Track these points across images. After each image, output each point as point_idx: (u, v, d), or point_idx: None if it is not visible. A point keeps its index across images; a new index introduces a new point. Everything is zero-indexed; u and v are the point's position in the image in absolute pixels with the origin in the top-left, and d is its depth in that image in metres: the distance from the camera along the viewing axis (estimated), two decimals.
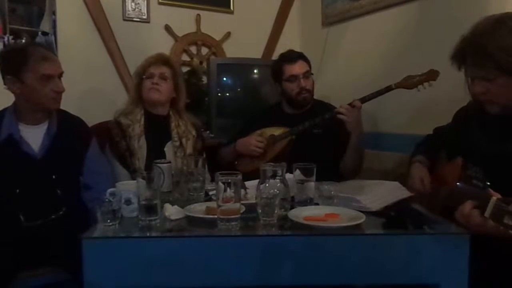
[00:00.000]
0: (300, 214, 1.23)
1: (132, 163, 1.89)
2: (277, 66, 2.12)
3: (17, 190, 1.58)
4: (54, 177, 1.64)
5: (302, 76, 2.05)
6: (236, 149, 2.10)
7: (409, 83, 1.82)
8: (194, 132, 2.05)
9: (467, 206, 1.09)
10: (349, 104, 1.86)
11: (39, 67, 1.58)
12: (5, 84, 1.61)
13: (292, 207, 1.30)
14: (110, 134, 1.92)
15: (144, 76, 1.96)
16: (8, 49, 2.07)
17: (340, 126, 1.88)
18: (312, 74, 2.12)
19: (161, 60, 2.00)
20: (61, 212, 1.63)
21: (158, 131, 1.98)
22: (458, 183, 1.21)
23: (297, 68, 2.05)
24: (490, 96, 1.27)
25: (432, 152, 1.59)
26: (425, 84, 1.80)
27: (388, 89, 1.85)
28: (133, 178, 1.48)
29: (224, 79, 2.65)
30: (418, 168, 1.53)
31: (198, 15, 2.85)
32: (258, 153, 2.02)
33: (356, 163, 1.97)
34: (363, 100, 1.87)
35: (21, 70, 1.57)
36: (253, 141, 2.04)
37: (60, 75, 1.66)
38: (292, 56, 2.08)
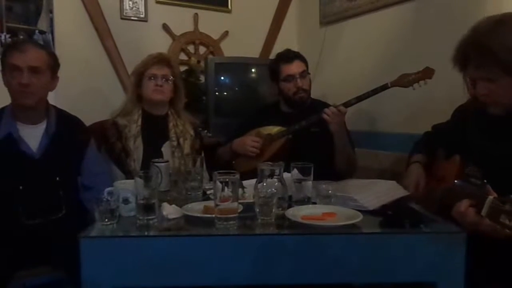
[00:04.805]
0: (298, 213, 1.23)
1: (127, 164, 1.88)
2: (274, 66, 2.12)
3: (21, 187, 1.57)
4: (58, 178, 1.63)
5: (299, 76, 2.05)
6: (233, 149, 2.10)
7: (405, 81, 1.82)
8: (192, 132, 2.04)
9: (464, 204, 1.10)
10: (336, 108, 1.86)
11: (9, 58, 1.56)
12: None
13: (289, 206, 1.30)
14: (106, 135, 1.92)
15: (145, 76, 1.95)
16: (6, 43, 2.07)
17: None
18: (309, 73, 2.12)
19: (163, 60, 1.99)
20: (60, 215, 1.63)
21: (155, 131, 1.97)
22: (456, 181, 1.22)
23: (294, 68, 2.05)
24: (494, 97, 1.26)
25: (430, 150, 1.60)
26: (421, 82, 1.80)
27: (384, 87, 1.86)
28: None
29: (222, 78, 2.65)
30: (416, 170, 1.54)
31: (196, 14, 2.85)
32: (254, 154, 2.02)
33: (345, 164, 1.98)
34: (348, 104, 1.89)
35: (3, 63, 1.57)
36: (249, 141, 2.04)
37: (31, 68, 1.56)
38: (288, 56, 2.08)
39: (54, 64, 1.66)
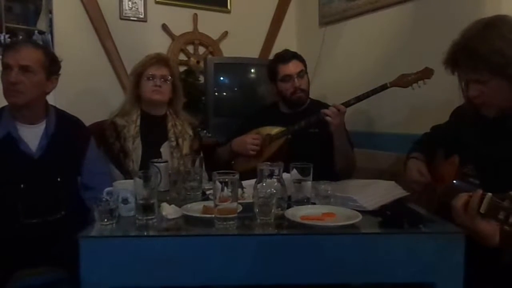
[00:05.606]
0: (297, 213, 1.23)
1: (126, 165, 1.88)
2: (272, 66, 2.12)
3: (22, 185, 1.57)
4: (57, 179, 1.63)
5: (296, 75, 2.05)
6: (232, 148, 2.10)
7: (404, 81, 1.83)
8: (190, 132, 2.05)
9: (463, 197, 1.09)
10: (335, 107, 1.86)
11: (4, 57, 1.56)
12: None
13: (289, 207, 1.30)
14: (104, 135, 1.92)
15: (144, 77, 1.95)
16: None
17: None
18: (307, 73, 2.12)
19: (161, 61, 1.99)
20: (59, 215, 1.63)
21: (154, 131, 1.97)
22: (454, 181, 1.22)
23: (291, 68, 2.05)
24: (485, 99, 1.28)
25: (428, 150, 1.60)
26: (420, 82, 1.81)
27: (383, 87, 1.86)
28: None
29: (221, 78, 2.65)
30: (414, 162, 1.55)
31: (195, 14, 2.85)
32: (254, 152, 2.02)
33: (344, 165, 1.97)
34: (348, 104, 1.88)
35: (2, 64, 1.57)
36: (249, 140, 2.04)
37: (21, 67, 1.54)
38: (286, 56, 2.08)
39: (50, 65, 1.63)
